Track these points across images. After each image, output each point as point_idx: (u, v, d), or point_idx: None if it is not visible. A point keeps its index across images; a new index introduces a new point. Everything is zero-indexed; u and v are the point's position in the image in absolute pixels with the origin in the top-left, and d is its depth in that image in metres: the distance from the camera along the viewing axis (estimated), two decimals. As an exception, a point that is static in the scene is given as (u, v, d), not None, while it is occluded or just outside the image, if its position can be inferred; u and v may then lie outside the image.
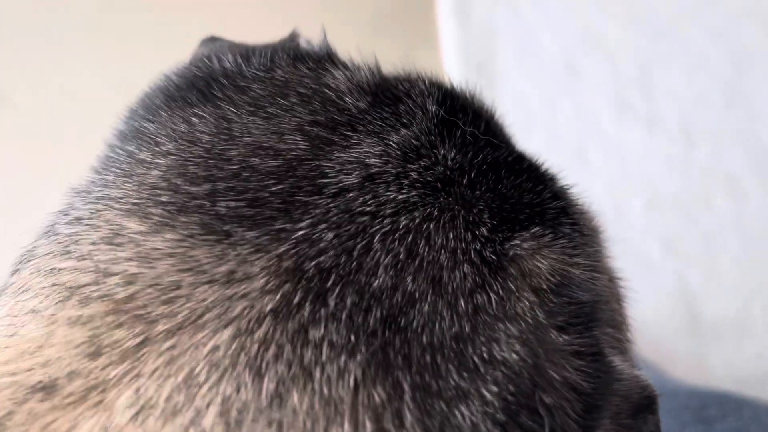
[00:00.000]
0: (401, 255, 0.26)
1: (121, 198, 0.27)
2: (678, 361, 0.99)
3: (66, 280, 0.25)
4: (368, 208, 0.27)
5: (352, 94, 0.31)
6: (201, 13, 1.25)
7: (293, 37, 0.38)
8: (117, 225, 0.26)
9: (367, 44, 1.28)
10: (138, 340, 0.23)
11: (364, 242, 0.26)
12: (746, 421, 0.58)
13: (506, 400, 0.23)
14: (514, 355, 0.24)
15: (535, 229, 0.28)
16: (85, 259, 0.26)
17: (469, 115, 0.33)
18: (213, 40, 0.42)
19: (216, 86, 0.32)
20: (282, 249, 0.25)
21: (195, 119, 0.30)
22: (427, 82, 0.34)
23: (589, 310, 0.27)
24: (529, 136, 1.15)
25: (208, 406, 0.22)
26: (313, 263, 0.25)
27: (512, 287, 0.26)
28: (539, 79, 1.19)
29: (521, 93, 1.18)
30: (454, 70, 1.19)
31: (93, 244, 0.26)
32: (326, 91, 0.31)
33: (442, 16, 1.24)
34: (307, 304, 0.24)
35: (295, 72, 0.33)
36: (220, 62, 0.34)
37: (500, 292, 0.26)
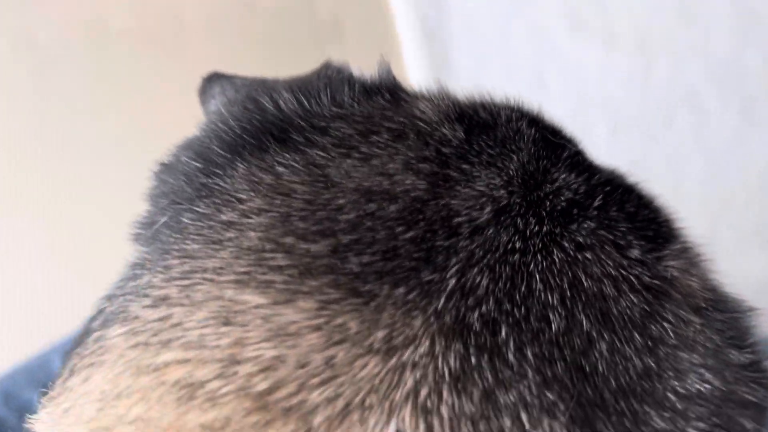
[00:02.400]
0: (567, 293, 0.23)
1: (220, 268, 0.23)
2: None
3: (177, 377, 0.21)
4: (517, 245, 0.24)
5: (445, 125, 0.29)
6: None
7: (328, 66, 0.34)
8: (229, 300, 0.22)
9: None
10: None
11: (524, 284, 0.23)
12: None
13: None
14: (707, 385, 0.23)
15: (675, 246, 0.27)
16: (197, 347, 0.21)
17: (564, 135, 0.31)
18: (218, 76, 0.38)
19: (292, 129, 0.28)
20: (438, 304, 0.22)
21: (280, 168, 0.26)
22: (507, 104, 0.32)
23: (742, 319, 0.26)
24: (486, 64, 1.08)
25: None
26: (476, 315, 0.22)
27: (680, 312, 0.24)
28: (489, 0, 1.11)
29: (473, 17, 1.10)
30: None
31: (201, 326, 0.22)
32: (418, 123, 0.29)
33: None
34: (485, 364, 0.21)
35: (374, 105, 0.30)
36: (276, 103, 0.30)
37: (671, 319, 0.24)
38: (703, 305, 0.25)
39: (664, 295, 0.24)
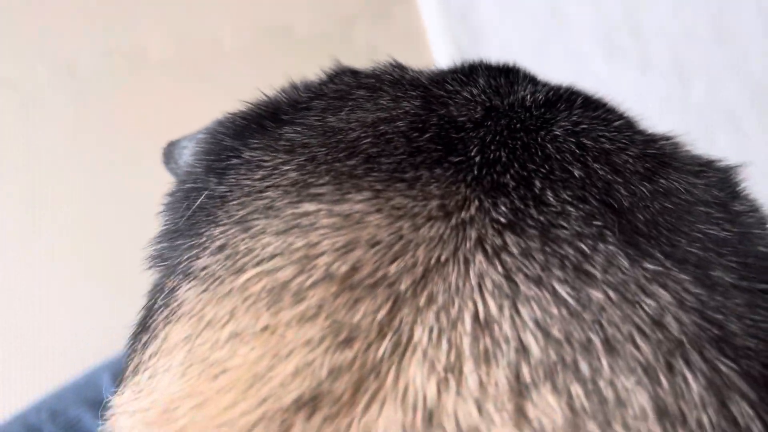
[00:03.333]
0: (576, 151, 0.27)
1: (270, 202, 0.25)
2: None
3: (260, 288, 0.22)
4: (517, 126, 0.28)
5: (408, 71, 0.33)
6: None
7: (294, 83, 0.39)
8: (290, 214, 0.24)
9: (338, 4, 1.16)
10: (387, 306, 0.21)
11: (539, 150, 0.27)
12: None
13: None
14: (726, 233, 0.26)
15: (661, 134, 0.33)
16: (271, 258, 0.23)
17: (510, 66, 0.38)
18: (174, 141, 0.43)
19: (280, 112, 0.32)
20: (473, 173, 0.25)
21: (288, 134, 0.30)
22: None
23: (732, 175, 0.31)
24: (524, 86, 1.08)
25: (522, 333, 0.20)
26: (508, 176, 0.25)
27: (684, 176, 0.28)
28: (525, 26, 1.12)
29: (508, 42, 1.11)
30: (435, 24, 1.10)
31: (271, 243, 0.23)
32: (386, 76, 0.33)
33: (415, -34, 1.15)
34: (532, 208, 0.24)
35: (338, 83, 0.34)
36: (260, 99, 0.35)
37: (678, 180, 0.27)
38: (699, 169, 0.29)
39: (665, 164, 0.28)
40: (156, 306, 0.27)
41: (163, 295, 0.27)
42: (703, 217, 0.26)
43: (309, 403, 0.20)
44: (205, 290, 0.24)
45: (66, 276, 0.97)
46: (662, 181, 0.27)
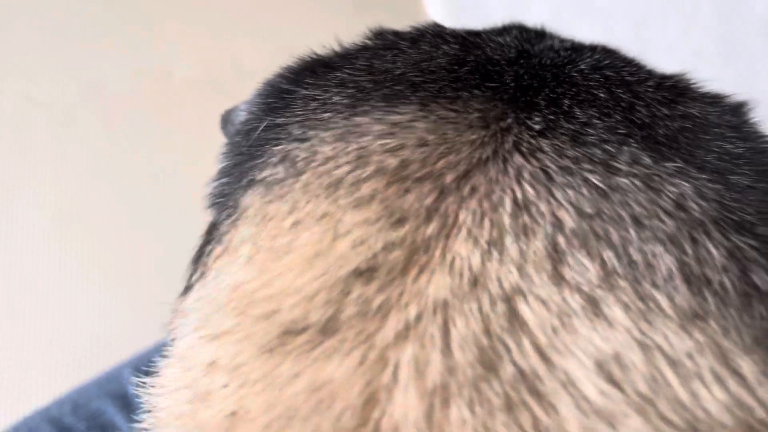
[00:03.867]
0: (600, 79, 0.30)
1: (324, 123, 0.28)
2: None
3: (317, 184, 0.25)
4: (547, 62, 0.32)
5: (447, 28, 0.36)
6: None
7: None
8: (343, 127, 0.27)
9: (351, 23, 1.21)
10: (434, 195, 0.24)
11: (566, 79, 0.30)
12: None
13: None
14: (740, 149, 0.28)
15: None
16: (326, 161, 0.26)
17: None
18: (231, 109, 0.46)
19: (331, 63, 0.34)
20: (509, 94, 0.28)
21: (338, 75, 0.32)
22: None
23: (742, 106, 0.33)
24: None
25: (557, 211, 0.23)
26: (539, 97, 0.28)
27: (699, 105, 0.30)
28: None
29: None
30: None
31: (328, 150, 0.26)
32: (427, 29, 0.35)
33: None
34: (563, 120, 0.27)
35: (384, 38, 0.36)
36: (311, 54, 0.37)
37: (694, 107, 0.30)
38: (712, 100, 0.31)
39: (682, 94, 0.31)
40: (220, 220, 0.29)
41: (226, 208, 0.29)
42: (718, 136, 0.28)
43: (366, 273, 0.22)
44: (266, 192, 0.27)
45: (94, 286, 1.01)
46: (680, 107, 0.29)
